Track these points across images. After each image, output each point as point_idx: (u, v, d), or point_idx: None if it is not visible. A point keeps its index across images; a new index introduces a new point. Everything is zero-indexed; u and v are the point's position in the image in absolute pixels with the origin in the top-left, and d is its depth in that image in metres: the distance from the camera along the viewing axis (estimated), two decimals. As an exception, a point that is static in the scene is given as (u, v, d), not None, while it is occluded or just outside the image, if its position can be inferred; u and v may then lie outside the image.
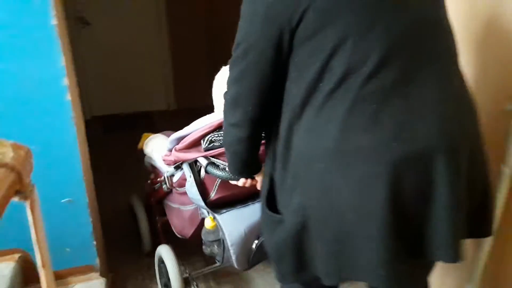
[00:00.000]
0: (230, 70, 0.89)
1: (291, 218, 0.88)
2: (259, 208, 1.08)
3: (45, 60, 1.28)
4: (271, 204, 0.96)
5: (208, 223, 1.36)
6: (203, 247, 1.43)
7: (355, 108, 0.76)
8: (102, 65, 4.05)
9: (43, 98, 1.32)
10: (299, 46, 0.79)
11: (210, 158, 1.30)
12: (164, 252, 1.61)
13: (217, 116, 1.29)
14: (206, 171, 1.31)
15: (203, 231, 1.40)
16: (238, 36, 0.84)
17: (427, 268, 1.00)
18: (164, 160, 1.48)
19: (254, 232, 1.37)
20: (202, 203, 1.37)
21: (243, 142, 0.94)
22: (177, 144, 1.39)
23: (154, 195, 1.75)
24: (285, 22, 0.77)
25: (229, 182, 1.27)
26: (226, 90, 0.92)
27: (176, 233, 1.66)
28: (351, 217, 0.79)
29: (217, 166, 1.28)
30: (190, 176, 1.37)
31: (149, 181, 1.77)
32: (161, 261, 1.63)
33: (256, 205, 1.42)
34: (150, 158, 1.73)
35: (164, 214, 1.75)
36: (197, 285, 1.61)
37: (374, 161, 0.75)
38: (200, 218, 1.48)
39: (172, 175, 1.52)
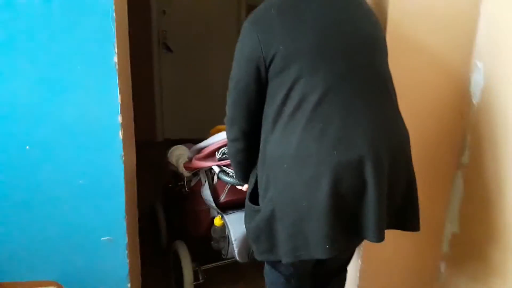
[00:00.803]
0: (227, 98, 1.17)
1: (265, 207, 1.14)
2: None
3: (102, 96, 1.27)
4: (254, 199, 1.22)
5: (217, 221, 1.62)
6: (212, 242, 1.70)
7: (308, 126, 1.04)
8: (180, 91, 4.20)
9: (95, 133, 1.30)
10: (271, 80, 1.09)
11: (222, 166, 1.57)
12: (179, 246, 1.85)
13: (217, 137, 1.61)
14: (218, 177, 1.58)
15: (212, 228, 1.66)
16: (232, 73, 1.15)
17: (358, 243, 1.34)
18: (185, 167, 1.76)
19: None
20: (213, 204, 1.64)
21: (242, 152, 1.22)
22: (197, 154, 1.67)
23: (174, 197, 2.02)
24: (261, 62, 1.08)
25: (236, 187, 1.52)
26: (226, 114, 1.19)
27: (188, 232, 1.93)
28: (304, 206, 1.05)
29: (227, 174, 1.54)
30: (205, 181, 1.67)
31: (170, 185, 2.06)
32: (176, 255, 1.87)
33: None
34: (174, 165, 1.96)
35: (180, 215, 2.01)
36: (204, 277, 1.83)
37: (320, 164, 1.03)
38: (210, 217, 1.74)
39: (190, 180, 1.82)
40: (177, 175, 1.96)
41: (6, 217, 1.33)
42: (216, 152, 1.60)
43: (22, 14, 1.18)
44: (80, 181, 1.33)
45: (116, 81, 1.27)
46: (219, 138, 1.61)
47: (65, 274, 1.41)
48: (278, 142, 1.08)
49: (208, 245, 1.74)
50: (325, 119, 1.04)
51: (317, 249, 1.06)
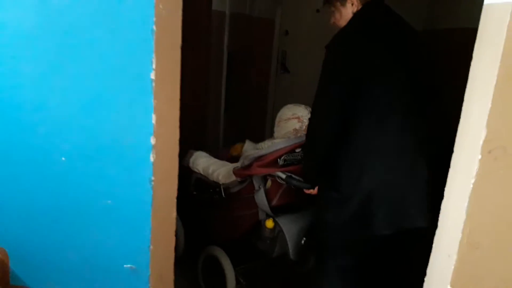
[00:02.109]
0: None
1: (359, 193, 1.54)
2: (305, 215, 1.87)
3: (134, 114, 1.19)
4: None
5: (269, 223, 1.79)
6: (258, 243, 1.91)
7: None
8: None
9: (125, 153, 1.22)
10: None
11: (286, 173, 1.76)
12: (217, 252, 1.96)
13: (287, 142, 1.80)
14: (286, 181, 1.75)
15: (262, 230, 1.83)
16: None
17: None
18: (235, 173, 1.87)
19: (302, 232, 1.85)
20: (268, 208, 1.80)
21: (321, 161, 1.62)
22: (254, 161, 1.79)
23: (196, 205, 2.12)
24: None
25: (287, 192, 1.78)
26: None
27: (214, 237, 2.06)
28: (406, 186, 1.51)
29: (294, 178, 1.74)
30: (260, 187, 1.81)
31: (194, 193, 2.15)
32: (209, 259, 2.00)
33: (303, 213, 1.90)
34: (201, 173, 2.10)
35: (207, 222, 2.13)
36: (244, 280, 1.96)
37: (418, 155, 1.53)
38: (254, 221, 1.89)
39: (228, 187, 1.94)
40: (203, 183, 2.08)
41: (33, 227, 1.34)
42: (278, 159, 1.78)
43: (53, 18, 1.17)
44: (108, 201, 1.27)
45: (151, 100, 1.17)
46: (279, 147, 1.80)
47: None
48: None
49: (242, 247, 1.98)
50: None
51: (419, 218, 1.51)
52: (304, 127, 1.89)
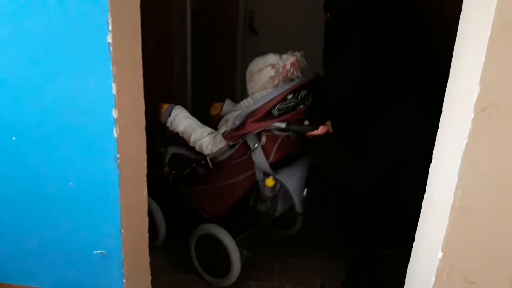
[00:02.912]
0: None
1: (383, 158, 1.65)
2: (301, 165, 1.84)
3: (92, 84, 1.05)
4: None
5: (269, 182, 1.71)
6: (259, 205, 1.80)
7: None
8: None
9: (85, 128, 1.09)
10: None
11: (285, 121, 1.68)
12: (214, 229, 1.87)
13: (276, 91, 1.71)
14: (287, 129, 1.69)
15: (262, 190, 1.74)
16: None
17: None
18: (227, 137, 1.76)
19: (303, 183, 1.82)
20: (268, 166, 1.72)
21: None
22: (248, 118, 1.67)
23: (178, 182, 1.99)
24: None
25: (282, 145, 1.74)
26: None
27: (205, 214, 1.95)
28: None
29: (294, 125, 1.69)
30: (255, 145, 1.71)
31: (173, 172, 1.98)
32: (203, 239, 1.92)
33: (298, 163, 1.85)
34: (182, 148, 1.97)
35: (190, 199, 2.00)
36: (246, 251, 1.98)
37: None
38: (249, 185, 1.81)
39: (215, 157, 1.83)
40: (181, 158, 1.98)
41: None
42: (272, 110, 1.69)
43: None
44: (70, 183, 1.15)
45: (110, 67, 1.03)
46: (270, 97, 1.69)
47: (57, 285, 1.26)
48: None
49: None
50: None
51: None
52: (279, 72, 1.80)
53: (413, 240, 1.22)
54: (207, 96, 3.83)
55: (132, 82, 1.14)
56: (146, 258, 1.34)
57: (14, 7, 1.02)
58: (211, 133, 1.92)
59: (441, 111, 1.09)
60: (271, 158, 1.75)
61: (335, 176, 1.95)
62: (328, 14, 1.74)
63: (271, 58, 1.86)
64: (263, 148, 1.73)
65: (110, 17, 1.00)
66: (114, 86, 1.05)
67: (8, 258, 1.25)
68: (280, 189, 1.76)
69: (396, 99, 1.64)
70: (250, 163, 1.78)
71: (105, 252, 1.20)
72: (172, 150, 2.01)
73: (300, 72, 1.82)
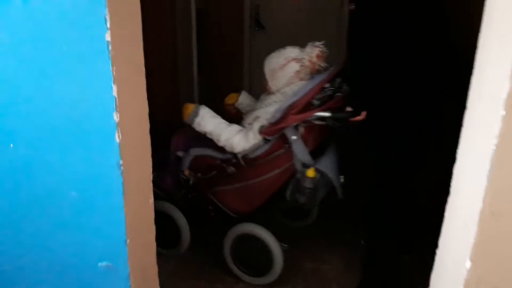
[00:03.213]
0: None
1: None
2: (330, 152, 1.84)
3: (91, 86, 0.99)
4: None
5: (310, 173, 1.72)
6: (298, 196, 1.79)
7: None
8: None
9: (85, 133, 1.03)
10: None
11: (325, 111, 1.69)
12: (253, 227, 1.88)
13: (313, 82, 1.71)
14: (332, 118, 1.69)
15: (303, 182, 1.74)
16: None
17: None
18: (266, 132, 1.75)
19: (338, 168, 1.83)
20: (308, 156, 1.74)
21: None
22: (288, 111, 1.69)
23: (203, 185, 1.95)
24: None
25: (316, 134, 1.75)
26: None
27: (231, 213, 1.94)
28: None
29: (338, 112, 1.70)
30: (294, 137, 1.73)
31: (198, 175, 1.95)
32: (239, 240, 1.92)
33: (330, 149, 1.87)
34: (206, 149, 1.93)
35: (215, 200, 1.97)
36: (285, 245, 1.92)
37: None
38: (285, 177, 1.82)
39: (246, 154, 1.82)
40: (211, 159, 1.92)
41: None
42: (312, 101, 1.69)
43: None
44: (73, 193, 1.09)
45: (109, 67, 0.97)
46: (308, 88, 1.70)
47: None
48: None
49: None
50: None
51: None
52: (305, 66, 1.81)
53: (435, 246, 1.16)
54: (214, 91, 3.77)
55: (134, 83, 1.08)
56: (154, 268, 1.29)
57: (5, 6, 0.95)
58: (240, 130, 1.88)
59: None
60: (309, 148, 1.77)
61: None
62: (352, 4, 1.80)
63: (291, 51, 1.86)
64: (302, 139, 1.75)
65: (108, 14, 0.93)
66: (114, 87, 0.98)
67: (9, 271, 1.20)
68: (320, 178, 1.77)
69: None
70: (287, 156, 1.79)
71: (110, 264, 1.14)
72: (195, 152, 1.96)
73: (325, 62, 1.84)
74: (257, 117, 1.86)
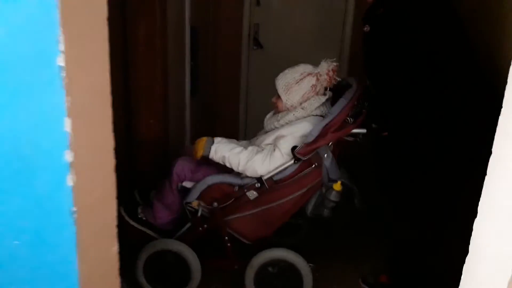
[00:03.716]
0: None
1: None
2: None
3: (39, 120, 0.83)
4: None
5: (337, 187, 1.77)
6: (322, 210, 1.83)
7: None
8: (268, 91, 3.73)
9: (31, 176, 0.86)
10: None
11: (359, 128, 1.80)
12: (282, 252, 1.86)
13: (346, 99, 1.75)
14: (369, 133, 1.77)
15: (328, 196, 1.79)
16: None
17: None
18: (302, 153, 1.71)
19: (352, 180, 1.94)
20: (338, 171, 1.78)
21: None
22: (326, 130, 1.71)
23: (217, 215, 1.85)
24: None
25: (339, 149, 1.84)
26: None
27: (246, 240, 1.91)
28: None
29: (372, 128, 1.80)
30: (326, 155, 1.74)
31: (214, 204, 1.83)
32: (265, 267, 1.87)
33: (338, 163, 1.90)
34: (223, 175, 1.86)
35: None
36: (311, 264, 1.93)
37: None
38: (310, 194, 1.83)
39: (271, 176, 1.77)
40: (227, 187, 1.84)
41: None
42: (348, 119, 1.75)
43: None
44: (15, 242, 0.92)
45: (62, 98, 0.81)
46: (342, 105, 1.73)
47: None
48: None
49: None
50: None
51: None
52: (322, 79, 1.85)
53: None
54: (208, 111, 3.63)
55: (96, 115, 0.92)
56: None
57: None
58: (259, 151, 1.84)
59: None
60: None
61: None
62: (367, 26, 1.80)
63: (305, 67, 1.90)
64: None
65: (62, 34, 0.78)
66: (68, 121, 0.82)
67: None
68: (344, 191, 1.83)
69: None
70: (316, 173, 1.79)
71: (60, 326, 0.96)
72: (212, 180, 1.88)
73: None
74: (282, 136, 1.81)
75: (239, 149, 1.85)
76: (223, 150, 1.84)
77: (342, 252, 2.38)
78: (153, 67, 2.30)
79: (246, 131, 3.91)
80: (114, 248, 1.05)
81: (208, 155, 1.85)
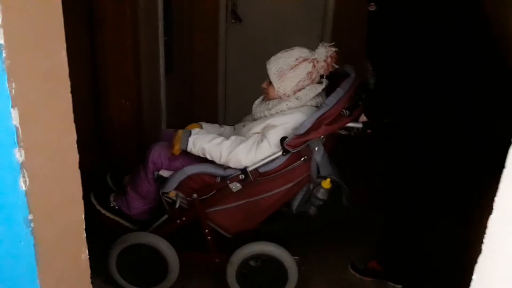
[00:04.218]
0: None
1: None
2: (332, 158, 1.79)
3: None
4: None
5: (326, 184, 1.70)
6: (308, 208, 1.76)
7: None
8: (247, 68, 3.57)
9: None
10: None
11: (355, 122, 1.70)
12: (268, 246, 1.78)
13: (342, 90, 1.67)
14: (366, 128, 1.70)
15: (316, 193, 1.71)
16: None
17: None
18: (292, 144, 1.62)
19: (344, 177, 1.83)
20: (329, 167, 1.70)
21: None
22: (320, 122, 1.61)
23: (197, 207, 1.77)
24: None
25: (331, 144, 1.74)
26: None
27: (227, 233, 1.83)
28: None
29: (368, 124, 1.71)
30: (317, 149, 1.66)
31: (194, 196, 1.74)
32: (249, 262, 1.80)
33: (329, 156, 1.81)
34: (205, 165, 1.75)
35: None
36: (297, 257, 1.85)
37: None
38: (296, 190, 1.75)
39: (256, 168, 1.68)
40: (209, 177, 1.74)
41: None
42: (344, 111, 1.66)
43: None
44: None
45: (4, 84, 0.66)
46: (338, 96, 1.64)
47: None
48: None
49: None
50: None
51: None
52: (319, 66, 1.72)
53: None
54: (186, 90, 3.46)
55: (51, 104, 0.77)
56: None
57: None
58: (243, 141, 1.72)
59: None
60: None
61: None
62: (373, 3, 1.59)
63: (301, 52, 1.74)
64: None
65: (-1, 4, 0.62)
66: (14, 113, 0.68)
67: None
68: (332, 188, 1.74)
69: None
70: (304, 167, 1.70)
71: None
72: (191, 170, 1.74)
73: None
74: (271, 126, 1.69)
75: (219, 139, 1.73)
76: (202, 142, 1.72)
77: (328, 240, 2.30)
78: (122, 41, 2.10)
79: (226, 110, 3.76)
80: (84, 255, 0.92)
81: (186, 148, 1.73)
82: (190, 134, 1.75)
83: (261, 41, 3.44)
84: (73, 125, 0.83)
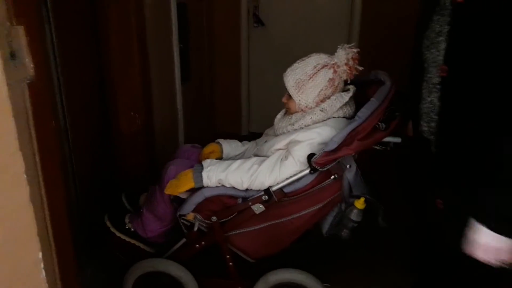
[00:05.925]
0: None
1: None
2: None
3: None
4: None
5: (360, 204, 1.59)
6: (344, 232, 1.65)
7: None
8: (270, 73, 3.45)
9: None
10: None
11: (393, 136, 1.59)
12: (300, 275, 1.71)
13: (377, 100, 1.53)
14: (407, 142, 1.59)
15: (353, 214, 1.61)
16: None
17: None
18: (321, 162, 1.50)
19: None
20: (363, 185, 1.62)
21: None
22: (353, 137, 1.49)
23: (217, 230, 1.68)
24: None
25: (365, 160, 1.65)
26: None
27: (250, 258, 1.74)
28: None
29: (408, 137, 1.60)
30: (350, 166, 1.58)
31: (213, 219, 1.65)
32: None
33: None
34: (224, 187, 1.64)
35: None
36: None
37: None
38: (326, 212, 1.66)
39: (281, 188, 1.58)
40: (229, 199, 1.65)
41: None
42: (379, 124, 1.53)
43: None
44: None
45: None
46: (373, 108, 1.52)
47: None
48: None
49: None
50: None
51: None
52: (341, 71, 1.60)
53: None
54: (205, 99, 3.36)
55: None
56: None
57: None
58: (263, 160, 1.62)
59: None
60: None
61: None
62: None
63: (318, 58, 1.62)
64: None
65: None
66: None
67: None
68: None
69: None
70: (335, 187, 1.60)
71: None
72: (209, 192, 1.64)
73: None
74: (296, 142, 1.57)
75: (235, 164, 1.61)
76: (217, 173, 1.61)
77: (354, 263, 2.16)
78: (128, 49, 2.02)
79: (250, 118, 3.63)
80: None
81: (202, 185, 1.61)
82: (202, 168, 1.63)
83: (285, 45, 3.31)
84: (15, 129, 0.70)
